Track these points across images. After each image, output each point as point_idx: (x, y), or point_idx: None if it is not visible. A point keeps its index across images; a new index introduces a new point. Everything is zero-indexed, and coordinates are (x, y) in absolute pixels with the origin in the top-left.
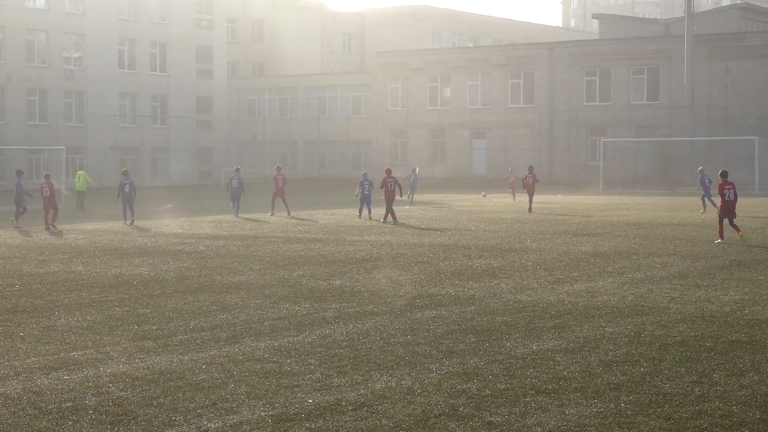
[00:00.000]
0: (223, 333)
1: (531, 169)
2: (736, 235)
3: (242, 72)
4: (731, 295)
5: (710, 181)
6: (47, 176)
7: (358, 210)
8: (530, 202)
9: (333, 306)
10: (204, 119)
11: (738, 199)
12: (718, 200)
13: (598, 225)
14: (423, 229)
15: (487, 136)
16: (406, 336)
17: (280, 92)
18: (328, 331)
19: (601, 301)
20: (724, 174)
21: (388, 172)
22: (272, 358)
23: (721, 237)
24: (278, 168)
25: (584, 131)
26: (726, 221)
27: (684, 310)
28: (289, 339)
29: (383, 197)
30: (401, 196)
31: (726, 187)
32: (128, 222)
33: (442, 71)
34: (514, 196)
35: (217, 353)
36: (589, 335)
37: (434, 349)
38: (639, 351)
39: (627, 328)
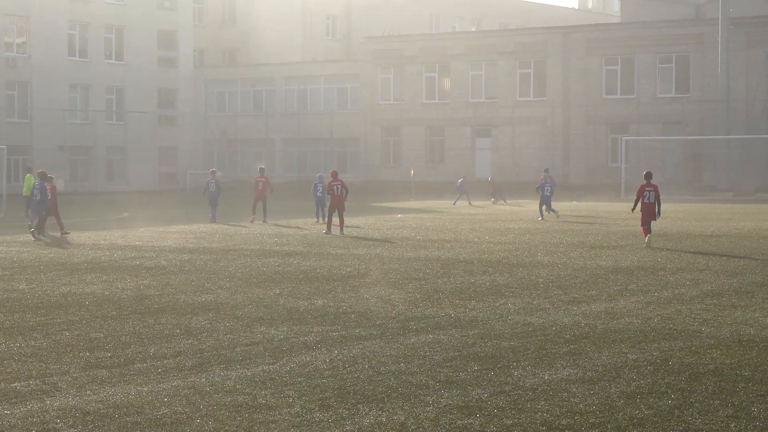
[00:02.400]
0: (188, 360)
1: (547, 171)
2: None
3: (211, 60)
4: None
5: (551, 191)
6: None
7: (315, 215)
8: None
9: (315, 329)
10: (167, 115)
11: (661, 202)
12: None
13: (620, 236)
14: (418, 240)
15: (492, 134)
16: (399, 364)
17: (254, 84)
18: (309, 358)
19: (623, 324)
20: (647, 175)
21: (334, 174)
22: (245, 389)
23: (645, 235)
24: (261, 170)
25: (603, 128)
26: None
27: (718, 334)
28: (265, 367)
29: (329, 204)
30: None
31: (647, 188)
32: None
33: (440, 59)
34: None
35: (181, 384)
36: (608, 363)
37: (431, 379)
38: (666, 381)
39: (653, 355)
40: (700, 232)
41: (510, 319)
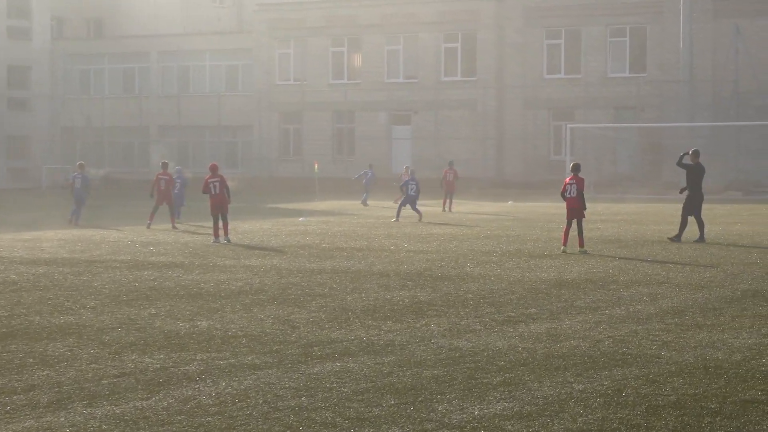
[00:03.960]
0: (44, 396)
1: (451, 164)
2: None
3: (72, 32)
4: (744, 339)
5: (417, 190)
6: None
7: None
8: (450, 203)
9: (198, 357)
10: (18, 97)
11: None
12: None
13: None
14: (324, 248)
15: (412, 120)
16: (300, 398)
17: (125, 60)
18: (191, 392)
19: (568, 348)
20: (575, 167)
21: (213, 169)
22: (113, 429)
23: (564, 243)
24: (164, 165)
25: (545, 114)
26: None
27: (680, 360)
28: (137, 404)
29: (210, 206)
30: (229, 202)
31: (569, 181)
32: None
33: (350, 31)
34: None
35: (34, 425)
36: (551, 395)
37: (338, 416)
38: (619, 416)
39: (603, 385)
40: (660, 237)
41: (433, 343)
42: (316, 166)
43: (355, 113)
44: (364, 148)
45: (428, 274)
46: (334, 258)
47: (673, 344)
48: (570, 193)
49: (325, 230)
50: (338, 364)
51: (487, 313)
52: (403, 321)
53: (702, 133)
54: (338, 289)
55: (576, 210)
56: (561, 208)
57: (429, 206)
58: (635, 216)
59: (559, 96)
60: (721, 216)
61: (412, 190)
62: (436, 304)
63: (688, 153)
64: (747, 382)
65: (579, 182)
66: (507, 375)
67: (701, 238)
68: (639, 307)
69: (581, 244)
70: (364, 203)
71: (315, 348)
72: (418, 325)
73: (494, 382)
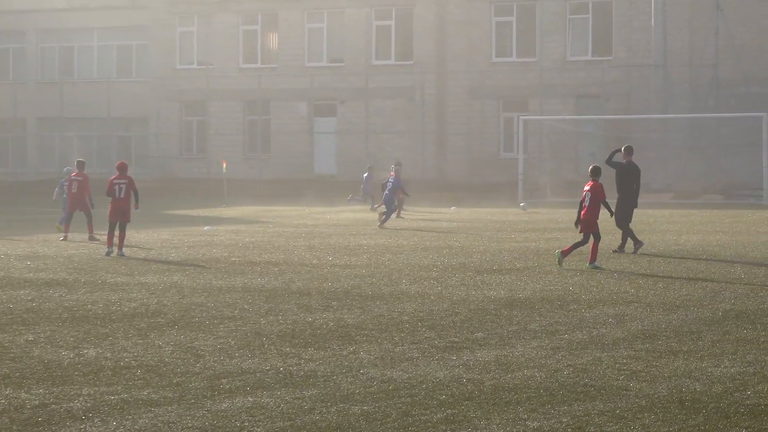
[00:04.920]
0: None
1: (398, 164)
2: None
3: None
4: (726, 367)
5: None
6: None
7: (62, 224)
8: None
9: (84, 391)
10: None
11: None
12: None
13: (516, 256)
14: (234, 263)
15: (337, 111)
16: None
17: None
18: None
19: (521, 379)
20: (593, 171)
21: (122, 167)
22: None
23: (565, 251)
24: (79, 164)
25: (494, 104)
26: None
27: (651, 392)
28: None
29: (109, 211)
30: (137, 207)
31: (586, 189)
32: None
33: (264, 6)
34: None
35: None
36: None
37: None
38: None
39: (561, 422)
40: (627, 248)
41: (362, 374)
42: (224, 165)
43: (271, 103)
44: (281, 144)
45: (357, 292)
46: (245, 274)
47: (643, 374)
48: (585, 203)
49: (235, 241)
50: (250, 399)
51: (426, 338)
52: (327, 348)
53: (677, 126)
54: (250, 310)
55: (588, 222)
56: (513, 214)
57: (360, 212)
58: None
59: (510, 83)
60: (700, 224)
61: (386, 189)
62: (366, 327)
63: (620, 150)
64: (729, 418)
65: (594, 190)
66: (449, 411)
67: (620, 249)
68: (603, 330)
69: (592, 260)
70: (374, 210)
71: (223, 380)
72: (344, 353)
73: (434, 420)
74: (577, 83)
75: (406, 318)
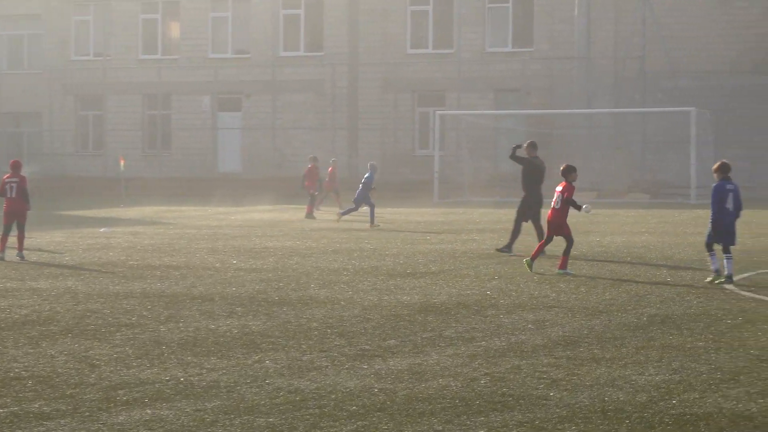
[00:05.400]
0: None
1: (314, 160)
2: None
3: None
4: (650, 375)
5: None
6: None
7: None
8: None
9: None
10: None
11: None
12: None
13: (432, 258)
14: (132, 267)
15: (242, 106)
16: None
17: None
18: None
19: (435, 388)
20: (565, 170)
21: (15, 166)
22: None
23: (532, 259)
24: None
25: (409, 98)
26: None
27: (573, 402)
28: None
29: (3, 212)
30: (28, 209)
31: (558, 189)
32: None
33: None
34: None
35: None
36: None
37: None
38: None
39: None
40: (549, 251)
41: (268, 384)
42: (122, 162)
43: (172, 97)
44: (183, 141)
45: (262, 298)
46: (144, 278)
47: (564, 382)
48: (556, 205)
49: (133, 244)
50: (149, 412)
51: (336, 346)
52: (230, 357)
53: (601, 122)
54: (149, 317)
55: (558, 225)
56: (427, 214)
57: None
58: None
59: (425, 76)
60: (625, 224)
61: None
62: (273, 335)
63: (520, 146)
64: (654, 428)
65: (566, 191)
66: (360, 423)
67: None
68: (523, 337)
69: (561, 266)
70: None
71: (120, 391)
72: (249, 362)
73: None
74: (496, 76)
75: (314, 324)
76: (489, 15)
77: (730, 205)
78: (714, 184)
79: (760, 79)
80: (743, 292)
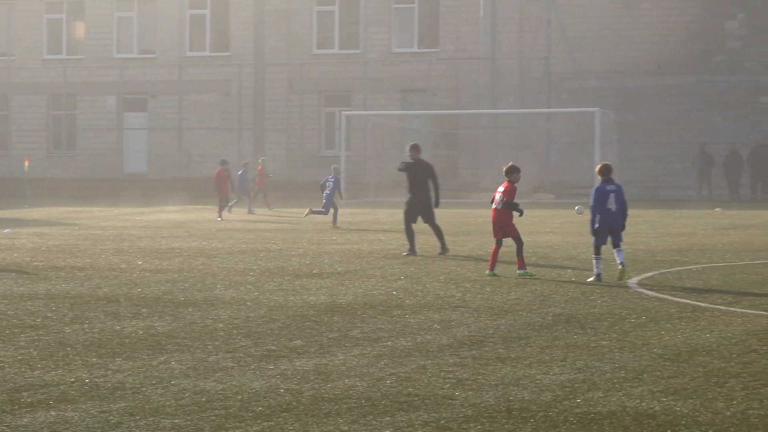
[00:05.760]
0: None
1: (224, 164)
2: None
3: None
4: (555, 374)
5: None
6: None
7: None
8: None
9: None
10: None
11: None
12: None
13: (338, 259)
14: (36, 267)
15: (148, 106)
16: None
17: None
18: None
19: (341, 389)
20: (509, 170)
21: None
22: None
23: (491, 266)
24: None
25: (314, 98)
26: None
27: (478, 401)
28: None
29: None
30: None
31: (499, 190)
32: None
33: None
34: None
35: None
36: None
37: None
38: None
39: None
40: (454, 251)
41: (174, 385)
42: (26, 163)
43: (77, 97)
44: (88, 141)
45: (168, 299)
46: (49, 280)
47: (469, 382)
48: (497, 205)
49: (37, 245)
50: (53, 414)
51: (242, 346)
52: (136, 358)
53: (507, 122)
54: (54, 318)
55: (503, 227)
56: (339, 214)
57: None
58: (423, 225)
59: (332, 76)
60: (530, 224)
61: (328, 188)
62: (178, 336)
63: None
64: (558, 427)
65: (507, 192)
66: (266, 423)
67: (443, 250)
68: (428, 337)
69: (520, 266)
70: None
71: (24, 393)
72: (154, 363)
73: None
74: (402, 77)
75: (220, 325)
76: (395, 15)
77: (612, 206)
78: (595, 186)
79: (663, 79)
80: (647, 292)
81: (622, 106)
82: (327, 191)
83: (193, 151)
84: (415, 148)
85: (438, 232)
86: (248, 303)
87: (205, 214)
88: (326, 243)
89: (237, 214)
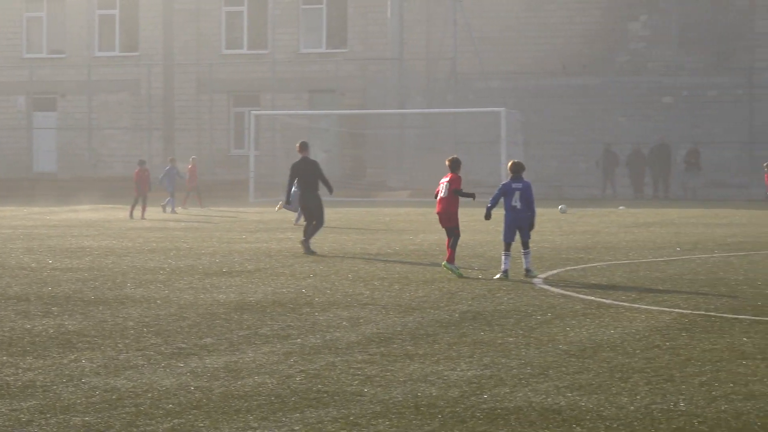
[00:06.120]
0: None
1: (142, 164)
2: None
3: None
4: (462, 371)
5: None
6: None
7: None
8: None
9: None
10: None
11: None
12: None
13: (247, 257)
14: None
15: (57, 106)
16: None
17: None
18: None
19: (251, 386)
20: (454, 163)
21: None
22: None
23: (449, 262)
24: None
25: (223, 98)
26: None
27: (386, 397)
28: None
29: None
30: None
31: (443, 181)
32: None
33: None
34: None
35: None
36: None
37: None
38: None
39: (293, 430)
40: (362, 249)
41: (84, 383)
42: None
43: None
44: None
45: (78, 297)
46: None
47: (378, 379)
48: (443, 194)
49: None
50: None
51: (152, 344)
52: (46, 356)
53: (414, 122)
54: None
55: (448, 215)
56: (243, 214)
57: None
58: (333, 223)
59: (240, 77)
60: (437, 222)
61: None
62: (89, 334)
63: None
64: (466, 423)
65: (452, 181)
66: (176, 421)
67: (306, 242)
68: (337, 334)
69: (449, 259)
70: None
71: None
72: (65, 361)
73: (160, 430)
74: (310, 77)
75: (130, 324)
76: (303, 16)
77: (517, 203)
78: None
79: (568, 79)
80: (552, 289)
81: (528, 106)
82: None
83: (102, 150)
84: (303, 146)
85: (315, 228)
86: (158, 301)
87: (115, 213)
88: (236, 242)
89: (150, 213)
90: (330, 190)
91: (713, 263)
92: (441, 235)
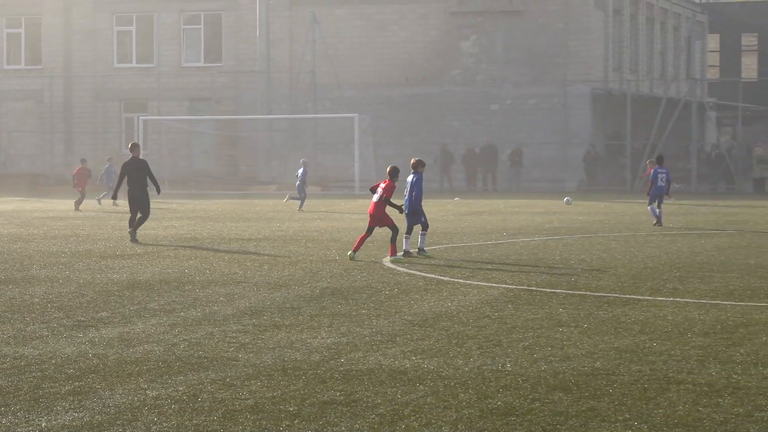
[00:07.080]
0: None
1: (83, 162)
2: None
3: None
4: (322, 338)
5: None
6: None
7: None
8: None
9: None
10: None
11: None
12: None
13: (133, 244)
14: None
15: None
16: None
17: None
18: None
19: (141, 353)
20: (393, 172)
21: None
22: None
23: (355, 248)
24: None
25: (116, 106)
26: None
27: (258, 362)
28: None
29: None
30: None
31: (381, 185)
32: None
33: None
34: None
35: None
36: (123, 402)
37: None
38: (195, 422)
39: (178, 391)
40: (237, 235)
41: None
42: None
43: None
44: None
45: None
46: None
47: (250, 346)
48: (376, 198)
49: None
50: None
51: (56, 318)
52: None
53: (280, 126)
54: None
55: (378, 217)
56: (124, 206)
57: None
58: (211, 213)
59: (131, 87)
60: (298, 213)
61: (299, 178)
62: None
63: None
64: (326, 383)
65: (386, 189)
66: (76, 384)
67: (132, 231)
68: (215, 308)
69: (391, 253)
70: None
71: None
72: None
73: (62, 392)
74: (191, 87)
75: (36, 300)
76: (184, 35)
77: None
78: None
79: (411, 89)
80: (399, 269)
81: (377, 112)
82: (298, 181)
83: (11, 151)
84: (134, 147)
85: (141, 220)
86: (61, 280)
87: (23, 205)
88: (124, 229)
89: (86, 205)
90: (158, 189)
91: (534, 246)
92: (303, 223)
